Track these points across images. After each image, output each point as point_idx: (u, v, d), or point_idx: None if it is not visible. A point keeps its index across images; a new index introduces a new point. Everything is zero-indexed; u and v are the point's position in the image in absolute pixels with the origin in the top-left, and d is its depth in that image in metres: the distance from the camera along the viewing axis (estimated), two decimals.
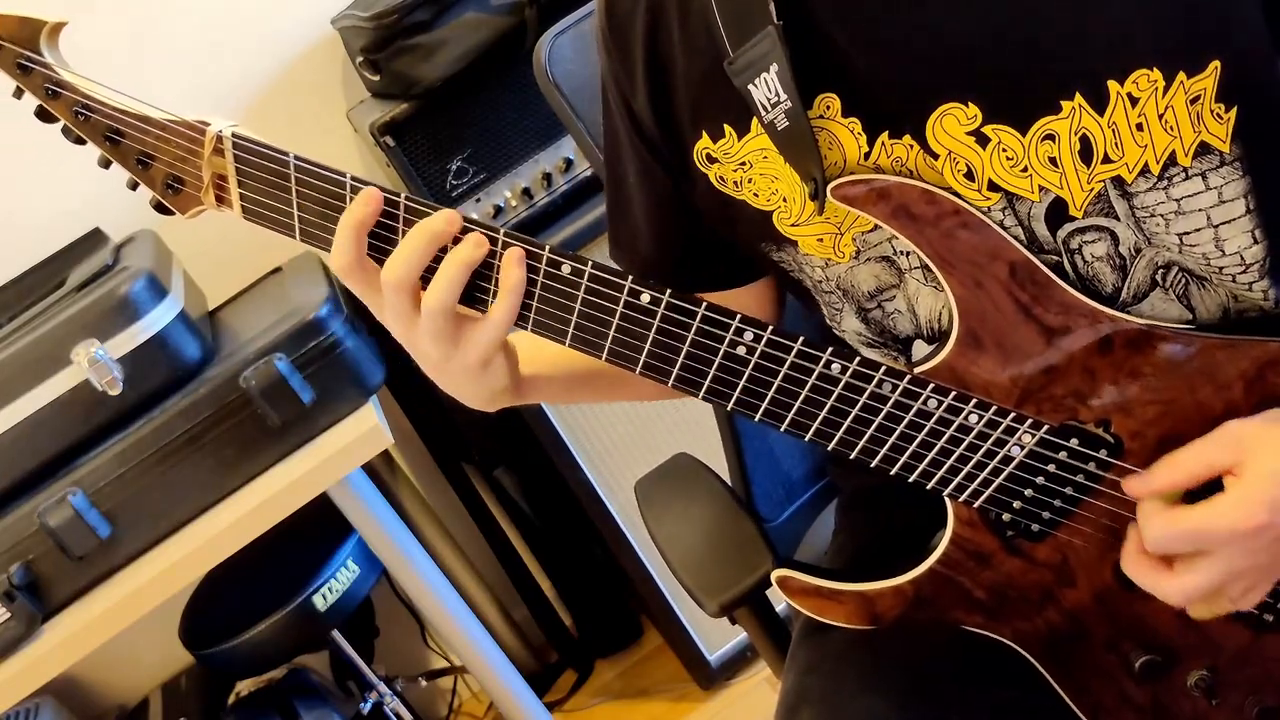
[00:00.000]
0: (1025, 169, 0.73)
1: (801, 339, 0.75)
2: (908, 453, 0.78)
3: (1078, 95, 0.70)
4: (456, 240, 0.74)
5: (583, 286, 0.75)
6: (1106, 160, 0.72)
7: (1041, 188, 0.73)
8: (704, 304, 0.75)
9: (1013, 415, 0.75)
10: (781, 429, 0.78)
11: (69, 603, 1.53)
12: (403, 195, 0.74)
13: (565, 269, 0.75)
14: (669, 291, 0.74)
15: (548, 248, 0.74)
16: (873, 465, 0.79)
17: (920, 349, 0.85)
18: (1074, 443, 0.76)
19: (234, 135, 0.75)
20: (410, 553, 1.74)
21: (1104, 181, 0.73)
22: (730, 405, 0.78)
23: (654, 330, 0.75)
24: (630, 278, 0.74)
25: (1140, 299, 0.76)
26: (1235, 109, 0.69)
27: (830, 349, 0.75)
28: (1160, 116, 0.70)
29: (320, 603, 1.74)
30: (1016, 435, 0.76)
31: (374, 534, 1.71)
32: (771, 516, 1.24)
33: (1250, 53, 0.70)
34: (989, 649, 0.84)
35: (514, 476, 2.13)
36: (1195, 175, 0.71)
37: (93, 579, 1.53)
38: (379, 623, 2.14)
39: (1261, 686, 0.82)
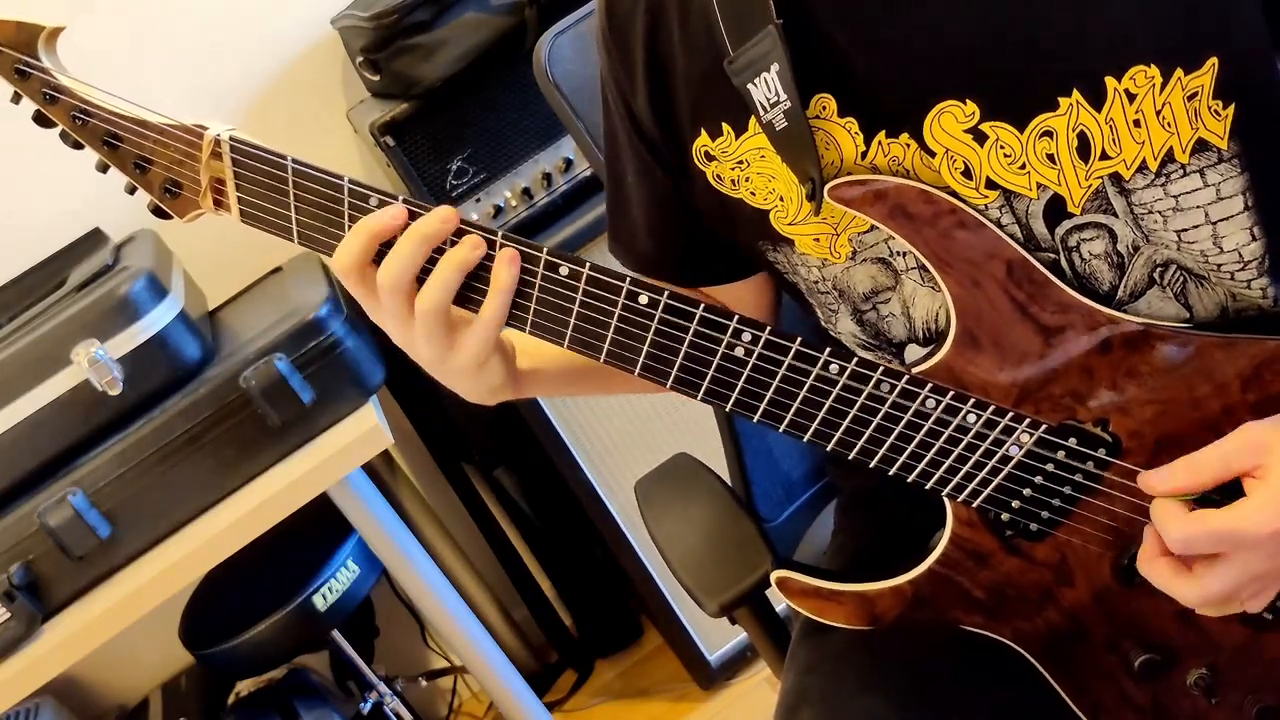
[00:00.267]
0: (1023, 166, 0.73)
1: (800, 339, 0.75)
2: (906, 452, 0.78)
3: (1075, 92, 0.70)
4: (454, 241, 0.74)
5: (580, 289, 0.75)
6: (1104, 157, 0.72)
7: (1039, 185, 0.73)
8: (701, 305, 0.75)
9: (1011, 415, 0.75)
10: (780, 429, 0.78)
11: (69, 603, 1.53)
12: (401, 198, 0.74)
13: (563, 271, 0.75)
14: (666, 292, 0.74)
15: (545, 250, 0.74)
16: (871, 465, 0.79)
17: (914, 353, 0.84)
18: (1072, 442, 0.76)
19: (232, 139, 0.75)
20: (410, 553, 1.73)
21: (1102, 178, 0.73)
22: (729, 406, 0.78)
23: (652, 332, 0.75)
24: (628, 279, 0.74)
25: (1137, 297, 0.76)
26: (1234, 106, 0.69)
27: (828, 349, 0.75)
28: (1158, 113, 0.70)
29: (320, 603, 1.73)
30: (1014, 435, 0.76)
31: (374, 534, 1.71)
32: (771, 517, 1.24)
33: (1249, 51, 0.70)
34: (989, 649, 0.84)
35: (514, 476, 2.13)
36: (1193, 172, 0.71)
37: (93, 579, 1.53)
38: (379, 623, 2.14)
39: (1261, 685, 0.82)
